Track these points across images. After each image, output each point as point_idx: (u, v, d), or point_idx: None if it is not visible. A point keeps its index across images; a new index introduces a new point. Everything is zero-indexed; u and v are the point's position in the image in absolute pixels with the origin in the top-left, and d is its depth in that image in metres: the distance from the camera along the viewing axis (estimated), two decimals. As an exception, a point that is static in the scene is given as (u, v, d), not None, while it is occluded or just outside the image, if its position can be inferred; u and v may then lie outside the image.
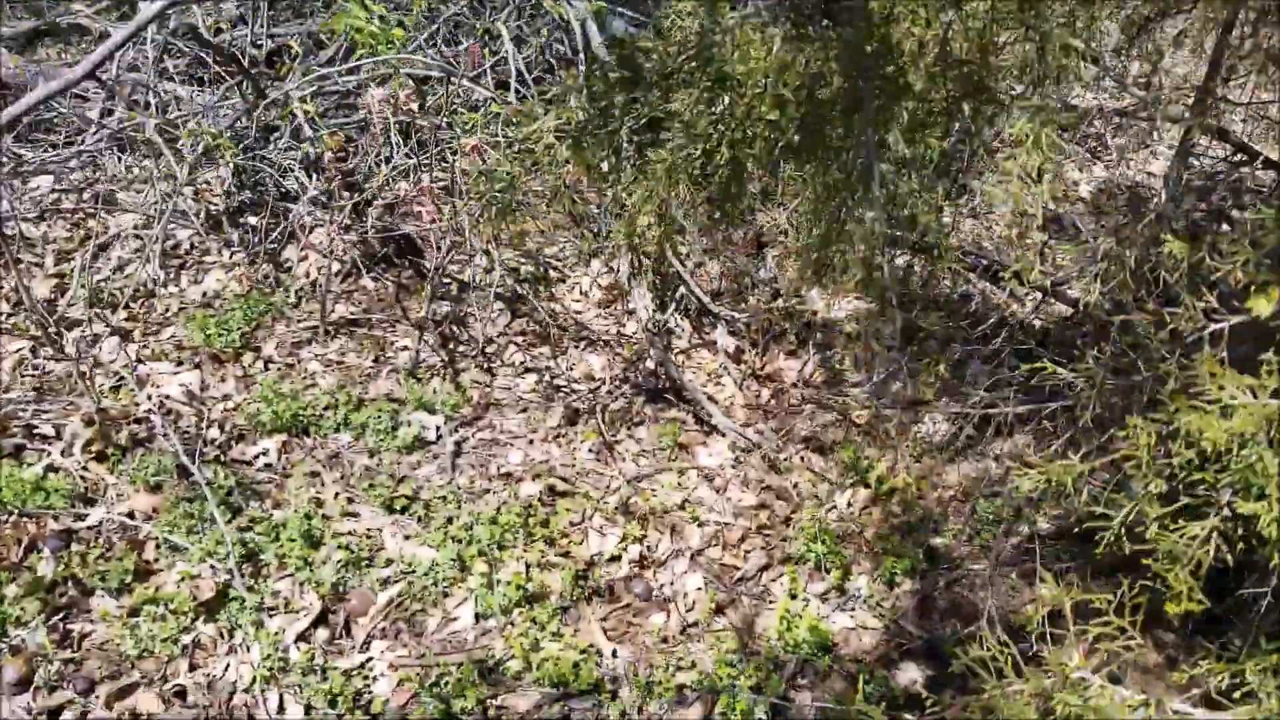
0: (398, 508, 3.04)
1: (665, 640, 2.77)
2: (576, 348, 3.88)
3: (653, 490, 3.22)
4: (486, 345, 3.81)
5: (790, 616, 2.79)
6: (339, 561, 2.82)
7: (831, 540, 3.02)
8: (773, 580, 3.00)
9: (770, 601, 2.93)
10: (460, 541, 2.91)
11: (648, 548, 3.03)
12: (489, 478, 3.23)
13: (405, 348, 3.73)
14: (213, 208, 4.27)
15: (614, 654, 2.71)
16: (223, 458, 3.16)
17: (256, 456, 3.18)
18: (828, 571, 3.01)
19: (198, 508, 2.90)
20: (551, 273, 4.25)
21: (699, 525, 3.13)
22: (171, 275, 3.99)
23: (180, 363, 3.53)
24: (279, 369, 3.55)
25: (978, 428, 3.67)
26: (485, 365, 3.71)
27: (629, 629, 2.80)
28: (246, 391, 3.42)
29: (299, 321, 3.82)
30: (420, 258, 4.19)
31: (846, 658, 2.78)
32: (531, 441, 3.40)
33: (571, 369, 3.76)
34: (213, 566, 2.75)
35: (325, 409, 3.36)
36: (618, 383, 3.70)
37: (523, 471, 3.26)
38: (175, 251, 4.13)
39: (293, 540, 2.82)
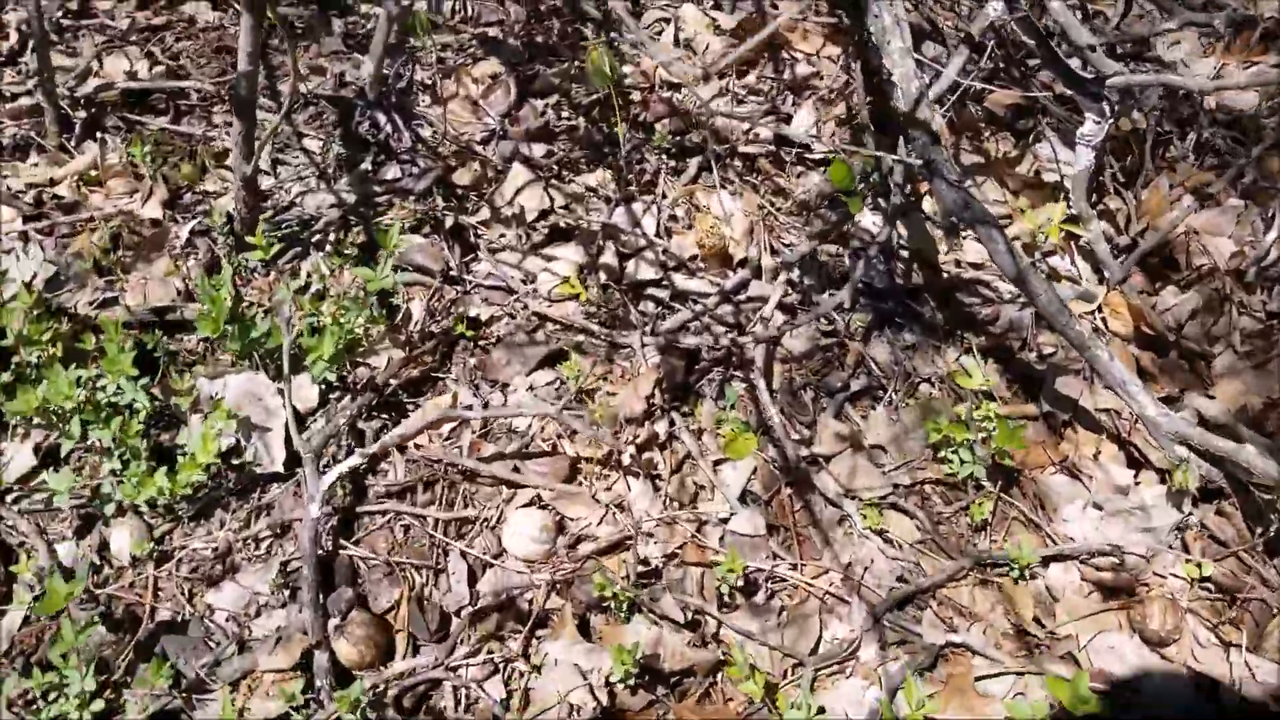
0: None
1: None
2: (677, 174, 1.53)
3: (986, 681, 0.99)
4: (458, 160, 1.46)
5: None
6: None
7: None
8: None
9: None
10: None
11: None
12: (463, 612, 1.00)
13: (224, 188, 1.40)
14: None
15: None
16: None
17: None
18: None
19: None
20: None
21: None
22: None
23: None
24: None
25: None
26: (447, 220, 1.38)
27: None
28: None
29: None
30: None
31: None
32: (576, 465, 1.14)
33: (672, 226, 1.44)
34: None
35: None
36: (789, 271, 1.39)
37: (553, 602, 1.01)
38: None
39: None
